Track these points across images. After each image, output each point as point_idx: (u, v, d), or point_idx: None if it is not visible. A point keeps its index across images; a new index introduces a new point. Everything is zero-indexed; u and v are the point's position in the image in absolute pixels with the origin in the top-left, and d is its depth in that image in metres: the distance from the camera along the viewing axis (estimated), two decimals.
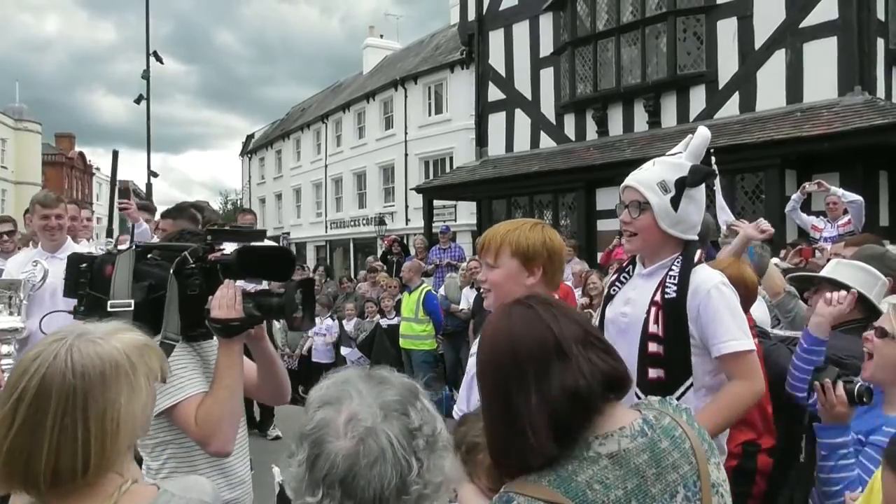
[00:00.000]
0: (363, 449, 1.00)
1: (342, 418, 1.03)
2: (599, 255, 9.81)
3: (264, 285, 2.13)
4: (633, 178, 2.39)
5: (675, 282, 2.27)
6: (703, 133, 2.37)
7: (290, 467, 1.06)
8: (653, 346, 2.26)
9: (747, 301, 2.81)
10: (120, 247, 1.99)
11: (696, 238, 2.40)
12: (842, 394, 2.07)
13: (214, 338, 2.01)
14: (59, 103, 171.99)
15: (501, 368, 1.25)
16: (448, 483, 1.09)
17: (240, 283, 1.91)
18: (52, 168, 48.11)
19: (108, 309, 1.76)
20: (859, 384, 2.09)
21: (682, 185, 2.30)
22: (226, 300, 1.82)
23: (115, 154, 2.26)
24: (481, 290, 2.41)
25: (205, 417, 1.81)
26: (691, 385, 2.24)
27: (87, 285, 1.89)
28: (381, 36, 30.60)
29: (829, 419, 2.13)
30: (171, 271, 1.82)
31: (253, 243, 1.96)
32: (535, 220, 2.29)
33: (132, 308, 1.77)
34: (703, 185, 2.39)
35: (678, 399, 2.15)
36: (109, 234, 2.21)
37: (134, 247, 1.92)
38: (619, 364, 1.26)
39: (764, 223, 3.42)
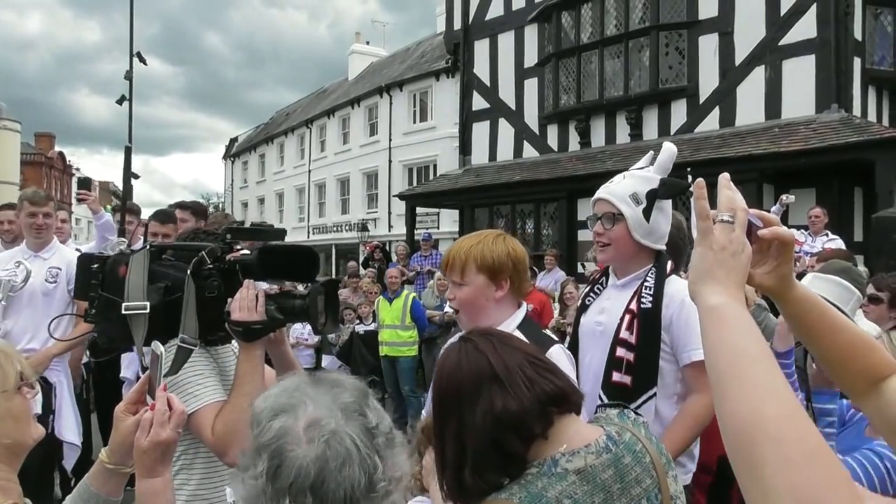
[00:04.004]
0: (330, 452, 1.00)
1: (301, 425, 1.02)
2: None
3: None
4: (605, 191, 2.46)
5: (651, 292, 2.33)
6: (669, 148, 2.45)
7: (244, 482, 1.03)
8: (621, 352, 2.32)
9: None
10: (133, 246, 1.89)
11: (665, 248, 2.47)
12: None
13: (229, 343, 1.96)
14: (42, 102, 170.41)
15: (436, 407, 1.33)
16: (405, 477, 1.10)
17: (260, 284, 1.82)
18: (30, 167, 47.50)
19: (123, 312, 1.69)
20: None
21: (653, 196, 2.37)
22: (246, 302, 1.73)
23: (128, 150, 2.18)
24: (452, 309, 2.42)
25: (223, 427, 1.73)
26: (653, 395, 2.28)
27: (99, 287, 1.79)
28: (368, 42, 30.64)
29: (818, 383, 2.27)
30: (189, 272, 1.74)
31: (274, 242, 1.88)
32: (497, 231, 2.29)
33: (148, 311, 1.70)
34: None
35: (640, 407, 2.20)
36: (122, 233, 2.10)
37: (148, 246, 1.82)
38: (564, 382, 1.31)
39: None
